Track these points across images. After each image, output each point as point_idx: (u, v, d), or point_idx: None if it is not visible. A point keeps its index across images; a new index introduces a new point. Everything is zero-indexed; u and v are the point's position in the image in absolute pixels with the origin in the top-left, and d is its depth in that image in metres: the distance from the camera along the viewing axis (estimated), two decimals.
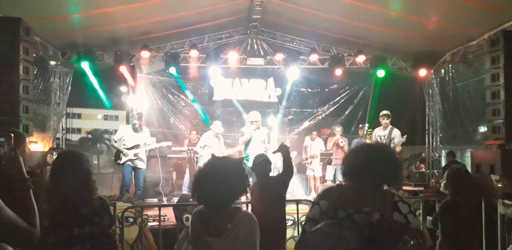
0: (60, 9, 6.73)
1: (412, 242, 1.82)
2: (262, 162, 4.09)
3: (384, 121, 7.01)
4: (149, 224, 4.98)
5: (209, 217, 2.16)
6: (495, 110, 5.57)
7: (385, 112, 7.15)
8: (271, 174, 4.37)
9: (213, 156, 2.36)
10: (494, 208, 4.09)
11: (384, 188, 2.05)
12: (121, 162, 7.01)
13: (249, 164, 5.69)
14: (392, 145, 6.78)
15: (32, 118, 5.92)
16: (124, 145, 7.07)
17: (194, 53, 9.04)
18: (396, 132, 6.95)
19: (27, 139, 3.15)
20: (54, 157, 3.68)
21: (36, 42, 7.40)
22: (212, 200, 2.15)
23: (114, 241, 2.53)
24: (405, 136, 7.03)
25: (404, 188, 7.26)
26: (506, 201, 3.55)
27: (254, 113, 6.83)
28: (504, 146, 5.33)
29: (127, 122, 10.03)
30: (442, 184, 3.28)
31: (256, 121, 6.64)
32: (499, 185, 3.82)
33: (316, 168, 8.56)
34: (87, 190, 2.40)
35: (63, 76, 9.14)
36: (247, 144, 6.75)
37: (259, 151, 6.54)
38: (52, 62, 8.74)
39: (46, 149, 7.07)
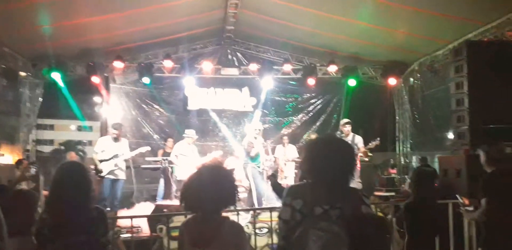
0: (31, 20, 6.66)
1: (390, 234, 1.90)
2: None
3: (347, 128, 7.27)
4: (122, 236, 4.92)
5: (196, 227, 2.15)
6: (459, 117, 5.76)
7: (346, 120, 7.44)
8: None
9: (203, 165, 2.39)
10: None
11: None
12: (103, 174, 6.91)
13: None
14: (356, 151, 7.05)
15: None
16: (104, 155, 7.00)
17: (168, 63, 9.05)
18: (358, 138, 7.22)
19: None
20: (32, 170, 3.65)
21: (5, 54, 7.29)
22: (200, 207, 2.16)
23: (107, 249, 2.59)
24: (378, 138, 7.24)
25: (376, 193, 7.43)
26: (468, 208, 3.69)
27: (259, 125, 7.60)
28: (469, 151, 5.51)
29: (101, 133, 9.90)
30: (406, 183, 3.43)
31: (259, 130, 7.24)
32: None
33: (289, 174, 8.65)
34: (87, 200, 2.48)
35: (33, 88, 8.95)
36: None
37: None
38: (22, 74, 8.57)
39: (15, 161, 6.94)
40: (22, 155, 8.51)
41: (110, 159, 7.00)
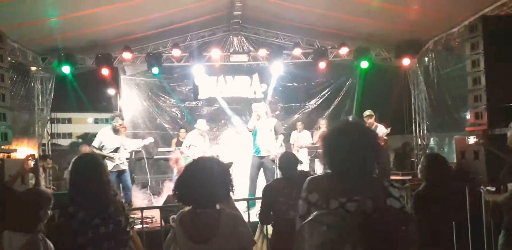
0: (37, 14, 6.62)
1: (406, 227, 1.73)
2: (285, 158, 3.81)
3: (369, 121, 7.19)
4: (136, 227, 4.92)
5: (192, 222, 2.09)
6: (477, 97, 5.56)
7: (367, 113, 7.35)
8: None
9: (199, 157, 2.34)
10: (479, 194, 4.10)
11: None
12: (109, 169, 6.78)
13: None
14: None
15: (11, 126, 5.84)
16: (104, 149, 6.83)
17: (176, 52, 8.96)
18: (380, 129, 7.11)
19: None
20: (32, 163, 3.64)
21: (14, 48, 7.32)
22: (193, 199, 2.11)
23: (130, 238, 2.64)
24: (390, 128, 7.19)
25: (393, 177, 7.31)
26: (489, 188, 3.55)
27: (255, 104, 7.16)
28: (487, 131, 5.32)
29: None
30: (418, 170, 3.28)
31: (256, 112, 6.79)
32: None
33: (303, 161, 8.55)
34: (108, 191, 2.54)
35: (45, 82, 9.02)
36: (254, 135, 6.84)
37: (268, 140, 6.70)
38: (33, 68, 8.62)
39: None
40: (38, 149, 8.63)
41: (112, 152, 6.83)
